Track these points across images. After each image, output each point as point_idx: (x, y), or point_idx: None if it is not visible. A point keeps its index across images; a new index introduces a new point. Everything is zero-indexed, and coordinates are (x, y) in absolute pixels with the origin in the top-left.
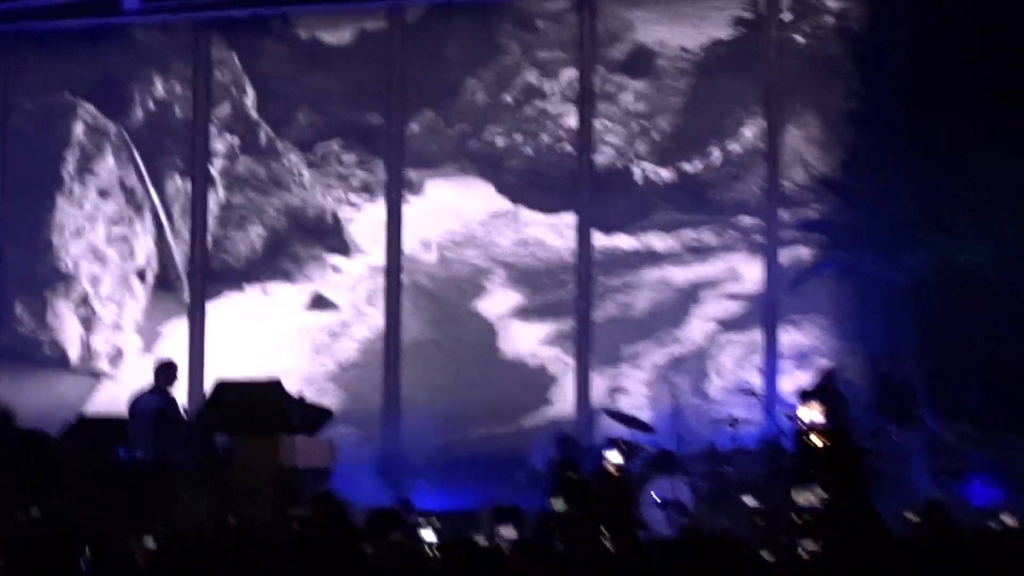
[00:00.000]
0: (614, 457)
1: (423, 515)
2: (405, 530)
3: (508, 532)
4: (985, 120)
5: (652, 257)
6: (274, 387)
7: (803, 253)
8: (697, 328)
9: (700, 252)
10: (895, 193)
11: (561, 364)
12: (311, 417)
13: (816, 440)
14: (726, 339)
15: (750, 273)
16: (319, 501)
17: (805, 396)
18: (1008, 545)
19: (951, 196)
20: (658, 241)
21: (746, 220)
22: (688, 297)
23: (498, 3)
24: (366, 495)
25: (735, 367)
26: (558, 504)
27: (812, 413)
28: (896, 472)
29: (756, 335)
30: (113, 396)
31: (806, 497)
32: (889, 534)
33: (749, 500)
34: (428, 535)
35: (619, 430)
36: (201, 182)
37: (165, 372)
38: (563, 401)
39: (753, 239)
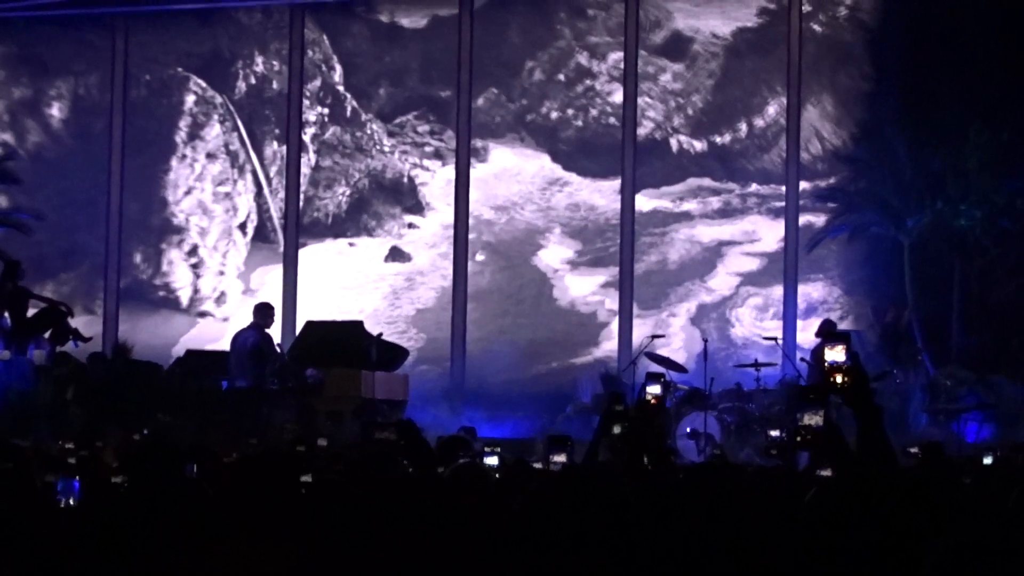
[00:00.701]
0: (653, 389)
1: (486, 443)
2: (471, 455)
3: (559, 458)
4: (978, 98)
5: (686, 217)
6: (356, 327)
7: (818, 217)
8: (724, 281)
9: (728, 214)
10: (899, 163)
11: (607, 310)
12: (389, 355)
13: (838, 378)
14: (748, 292)
15: (772, 234)
16: (401, 426)
17: (830, 338)
18: (996, 477)
19: (948, 166)
20: (692, 204)
21: (769, 187)
22: (716, 253)
23: None
24: (437, 424)
25: (758, 317)
26: (614, 429)
27: (835, 353)
28: (900, 411)
29: (776, 289)
30: (218, 333)
31: (812, 418)
32: (897, 462)
33: (771, 432)
34: (491, 460)
35: (657, 369)
36: (295, 147)
37: (262, 312)
38: (609, 342)
39: (775, 204)
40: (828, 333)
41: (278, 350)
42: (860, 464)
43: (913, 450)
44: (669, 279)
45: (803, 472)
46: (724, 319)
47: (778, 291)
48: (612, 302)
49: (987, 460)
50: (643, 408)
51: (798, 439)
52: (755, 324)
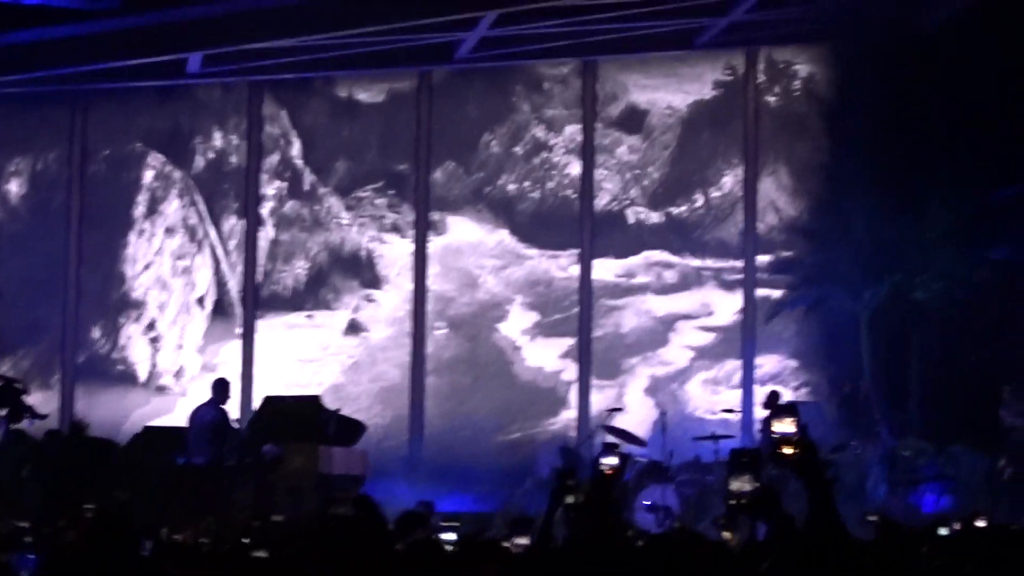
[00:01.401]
0: (609, 460)
1: (444, 517)
2: (429, 530)
3: (522, 540)
4: (935, 170)
5: (642, 289)
6: (315, 403)
7: (776, 290)
8: (678, 354)
9: (683, 287)
10: (856, 235)
11: (565, 381)
12: (347, 430)
13: (787, 449)
14: (702, 365)
15: (727, 307)
16: (359, 502)
17: (778, 411)
18: (954, 546)
19: (906, 238)
20: (648, 276)
21: (726, 260)
22: (670, 326)
23: (512, 68)
24: (395, 498)
25: (712, 390)
26: (568, 499)
27: (784, 425)
28: (858, 482)
29: (729, 363)
30: (175, 408)
31: (741, 483)
32: (849, 534)
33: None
34: (448, 535)
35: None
36: (253, 222)
37: (220, 388)
38: (567, 411)
39: (731, 277)
40: (777, 405)
41: (236, 426)
42: (810, 536)
43: (872, 518)
44: (624, 351)
45: (762, 543)
46: (678, 392)
47: (731, 364)
48: (570, 373)
49: (943, 531)
50: (599, 480)
51: (731, 503)
52: (709, 397)
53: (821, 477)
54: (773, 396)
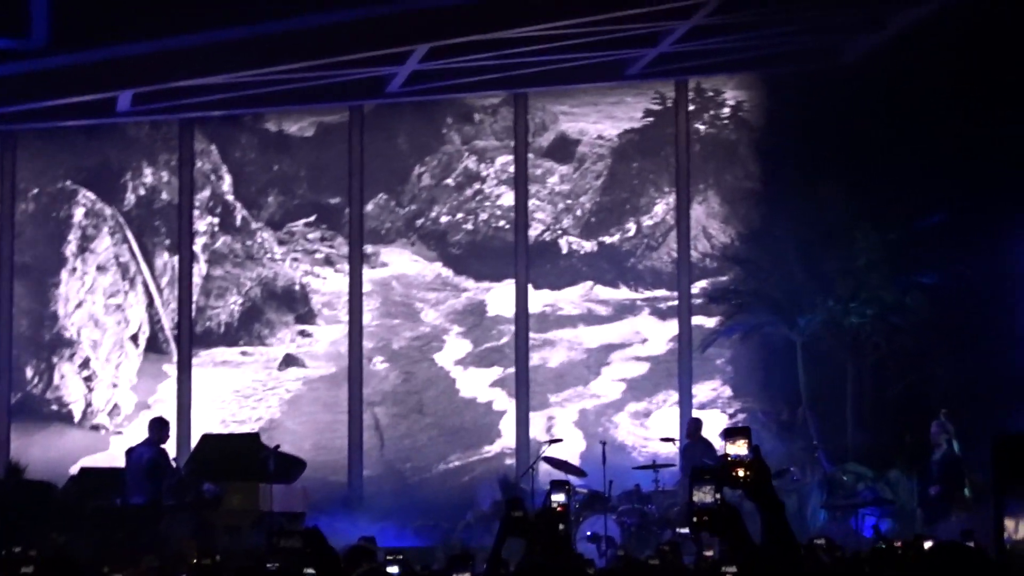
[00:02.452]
0: (558, 497)
1: (387, 552)
2: (374, 565)
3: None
4: (864, 197)
5: (580, 318)
6: (253, 440)
7: (710, 318)
8: (609, 385)
9: (618, 316)
10: (789, 263)
11: (496, 410)
12: (286, 467)
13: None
14: (635, 395)
15: (663, 335)
16: (307, 534)
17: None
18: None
19: (838, 266)
20: (583, 304)
21: (659, 290)
22: (603, 356)
23: (442, 100)
24: (336, 535)
25: (642, 422)
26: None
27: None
28: (798, 507)
29: (662, 393)
30: (111, 446)
31: (702, 496)
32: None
33: (667, 534)
34: (392, 569)
35: (560, 476)
36: (186, 257)
37: (157, 427)
38: (500, 439)
39: (664, 305)
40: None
41: (174, 465)
42: (766, 558)
43: (819, 541)
44: (556, 381)
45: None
46: (611, 422)
47: (662, 396)
48: (503, 403)
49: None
50: (548, 516)
51: (694, 520)
52: (642, 427)
53: (775, 498)
54: (694, 423)
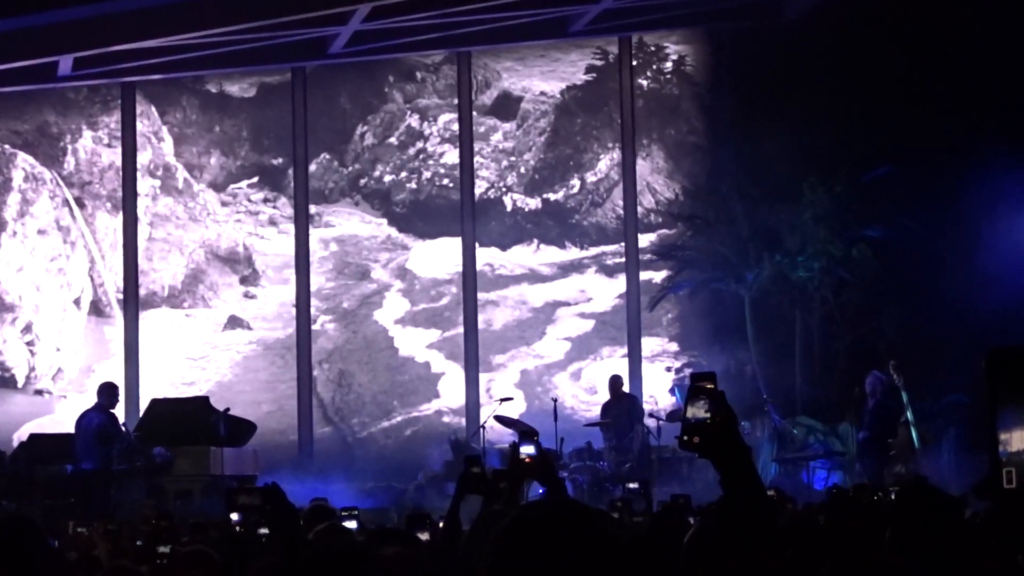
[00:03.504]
0: (527, 449)
1: (343, 510)
2: (332, 521)
3: (423, 535)
4: (811, 152)
5: (525, 276)
6: (203, 403)
7: (658, 272)
8: (554, 345)
9: (565, 271)
10: (735, 219)
11: (439, 368)
12: (237, 430)
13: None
14: (581, 352)
15: (611, 290)
16: (266, 492)
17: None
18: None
19: (784, 220)
20: (528, 261)
21: (606, 246)
22: (549, 314)
23: (384, 59)
24: (288, 497)
25: (606, 374)
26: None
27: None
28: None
29: (622, 346)
30: (56, 411)
31: (695, 411)
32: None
33: (619, 491)
34: (350, 524)
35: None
36: (130, 220)
37: (107, 392)
38: (439, 399)
39: (610, 261)
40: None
41: (124, 430)
42: (741, 507)
43: (770, 494)
44: (512, 339)
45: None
46: (575, 376)
47: (614, 349)
48: (453, 362)
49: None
50: (519, 468)
51: (684, 439)
52: (597, 384)
53: (742, 443)
54: (615, 380)
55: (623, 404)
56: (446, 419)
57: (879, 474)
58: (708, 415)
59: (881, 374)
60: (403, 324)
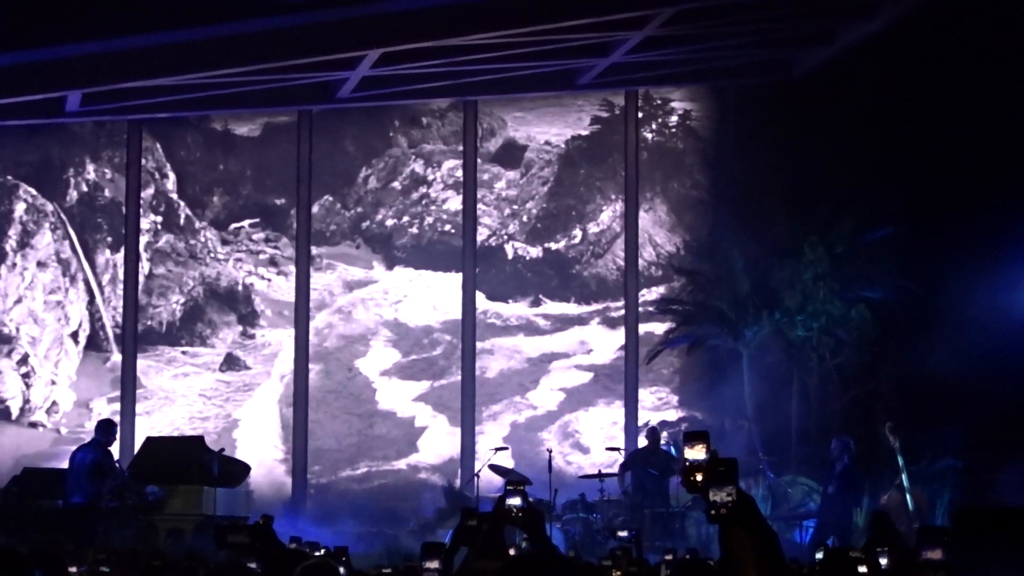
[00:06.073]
0: (514, 501)
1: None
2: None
3: (432, 564)
4: (811, 211)
5: (525, 327)
6: (197, 443)
7: (657, 327)
8: (549, 395)
9: (564, 322)
10: (736, 276)
11: (428, 418)
12: (231, 470)
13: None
14: (577, 403)
15: (610, 344)
16: (255, 529)
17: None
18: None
19: (784, 278)
20: (528, 311)
21: (606, 296)
22: (543, 365)
23: (390, 105)
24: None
25: (600, 427)
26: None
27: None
28: None
29: (618, 399)
30: (49, 444)
31: (693, 454)
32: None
33: (611, 543)
34: (341, 568)
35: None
36: (131, 256)
37: (105, 429)
38: (420, 453)
39: (611, 315)
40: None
41: (118, 467)
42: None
43: None
44: (507, 388)
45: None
46: (569, 429)
47: (612, 402)
48: (446, 411)
49: (819, 555)
50: (501, 517)
51: (689, 479)
52: (601, 434)
53: (766, 526)
54: (653, 432)
55: (660, 456)
56: (422, 475)
57: (847, 530)
58: (708, 457)
59: (847, 439)
60: (392, 374)
